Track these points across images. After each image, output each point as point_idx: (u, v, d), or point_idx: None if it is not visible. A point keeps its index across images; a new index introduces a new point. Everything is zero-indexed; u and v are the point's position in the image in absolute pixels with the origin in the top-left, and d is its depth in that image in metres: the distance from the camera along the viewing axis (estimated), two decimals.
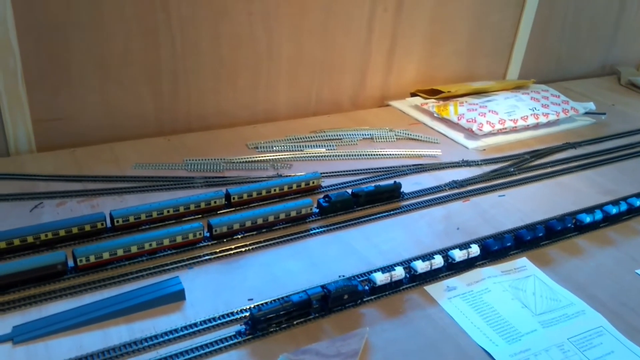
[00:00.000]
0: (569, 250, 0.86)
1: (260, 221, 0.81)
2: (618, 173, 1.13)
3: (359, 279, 0.72)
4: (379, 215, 0.90)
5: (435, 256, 0.76)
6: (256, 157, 1.03)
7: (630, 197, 0.97)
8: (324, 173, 1.00)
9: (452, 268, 0.78)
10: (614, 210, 0.92)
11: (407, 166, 1.08)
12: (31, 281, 0.67)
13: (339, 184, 0.98)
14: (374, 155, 1.11)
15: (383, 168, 1.06)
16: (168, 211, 0.81)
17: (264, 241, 0.81)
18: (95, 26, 0.98)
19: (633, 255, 0.86)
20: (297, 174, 0.97)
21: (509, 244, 0.82)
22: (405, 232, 0.87)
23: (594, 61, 1.77)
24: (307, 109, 1.29)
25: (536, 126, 1.29)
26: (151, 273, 0.73)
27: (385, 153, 1.12)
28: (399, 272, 0.72)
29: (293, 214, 0.84)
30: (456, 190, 1.01)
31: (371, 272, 0.74)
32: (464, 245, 0.80)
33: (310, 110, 1.30)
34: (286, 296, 0.67)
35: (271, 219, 0.82)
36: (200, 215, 0.84)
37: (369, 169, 1.05)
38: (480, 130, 1.21)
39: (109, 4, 0.98)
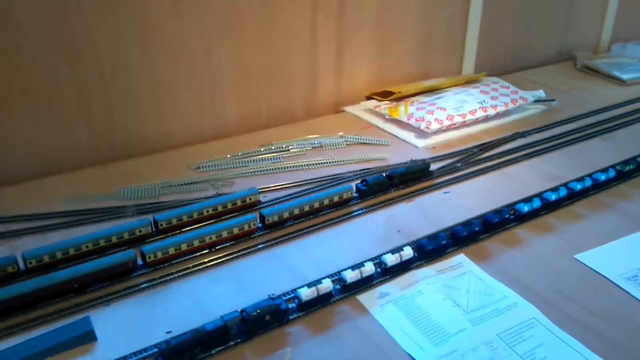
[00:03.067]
0: (508, 242, 0.86)
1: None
2: (565, 158, 1.14)
3: (286, 297, 0.72)
4: (318, 226, 0.89)
5: (365, 263, 0.75)
6: (196, 178, 1.03)
7: (571, 181, 0.97)
8: (265, 187, 1.00)
9: (387, 273, 0.77)
10: (553, 196, 0.93)
11: (354, 172, 1.07)
12: None
13: (281, 197, 0.98)
14: (321, 163, 1.11)
15: (329, 176, 1.06)
16: (87, 246, 0.78)
17: (193, 267, 0.79)
18: (13, 49, 0.95)
19: (572, 240, 0.86)
20: (237, 191, 0.97)
21: (444, 242, 0.82)
22: (345, 241, 0.87)
23: (550, 48, 1.77)
24: (259, 122, 1.29)
25: (486, 119, 1.30)
26: (66, 314, 0.70)
27: (333, 160, 1.12)
28: (327, 285, 0.71)
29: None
30: (401, 192, 1.01)
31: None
32: (398, 249, 0.79)
33: (262, 123, 1.30)
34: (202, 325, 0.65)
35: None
36: (125, 247, 0.82)
37: (315, 179, 1.05)
38: (429, 128, 1.21)
39: (26, 24, 0.95)
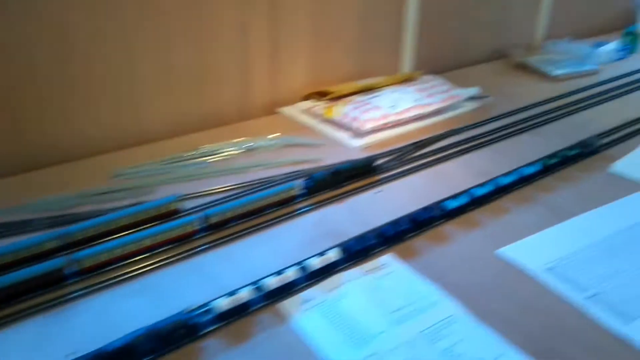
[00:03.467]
0: (436, 239, 0.86)
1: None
2: (496, 154, 1.15)
3: (201, 309, 0.69)
4: (242, 233, 0.87)
5: (287, 269, 0.74)
6: (116, 187, 0.99)
7: (498, 176, 0.98)
8: (189, 194, 0.97)
9: (311, 278, 0.76)
10: (480, 192, 0.93)
11: (286, 174, 1.06)
12: None
13: (206, 204, 0.95)
14: (251, 167, 1.09)
15: (259, 180, 1.04)
16: None
17: (103, 282, 0.76)
18: None
19: (496, 235, 0.87)
20: (159, 199, 0.93)
21: (371, 243, 0.81)
22: (270, 247, 0.84)
23: (486, 46, 1.80)
24: (188, 125, 1.26)
25: (421, 117, 1.30)
26: None
27: (264, 163, 1.10)
28: (245, 294, 0.69)
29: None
30: (332, 193, 0.99)
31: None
32: (323, 252, 0.78)
33: (192, 126, 1.26)
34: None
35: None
36: (33, 262, 0.76)
37: (244, 183, 1.02)
38: (363, 127, 1.21)
39: None
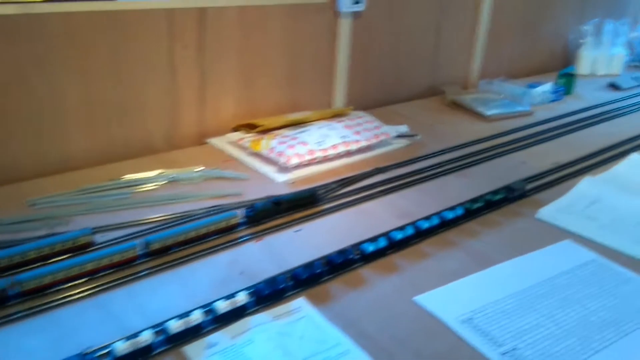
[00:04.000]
0: (352, 283, 0.84)
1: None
2: (421, 194, 1.15)
3: (100, 351, 0.65)
4: (152, 270, 0.83)
5: (193, 312, 0.70)
6: (29, 216, 0.93)
7: (418, 220, 0.97)
8: (104, 226, 0.93)
9: (218, 321, 0.73)
10: (399, 235, 0.92)
11: (205, 208, 1.02)
12: None
13: (122, 237, 0.91)
14: (171, 199, 1.05)
15: (179, 213, 1.00)
16: None
17: (1, 317, 0.71)
18: None
19: (414, 281, 0.85)
20: (73, 230, 0.89)
21: (282, 286, 0.78)
22: (181, 286, 0.81)
23: (420, 83, 1.82)
24: (112, 154, 1.22)
25: (348, 154, 1.29)
26: None
27: (185, 196, 1.06)
28: (146, 337, 0.66)
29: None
30: (249, 231, 0.97)
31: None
32: (231, 295, 0.75)
33: (117, 155, 1.22)
34: None
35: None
36: None
37: (163, 216, 0.99)
38: (289, 163, 1.19)
39: None
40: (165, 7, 1.19)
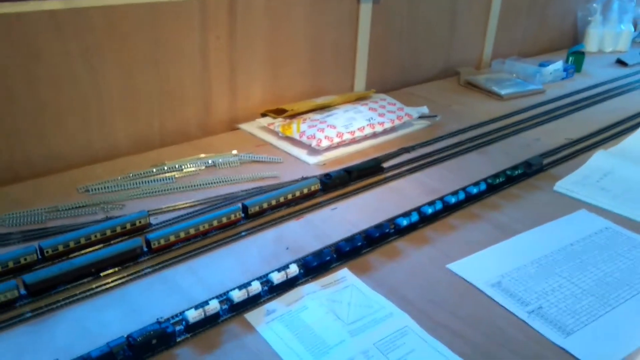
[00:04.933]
0: (389, 254, 0.92)
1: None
2: (445, 172, 1.22)
3: (173, 319, 0.73)
4: (208, 247, 0.91)
5: (252, 282, 0.78)
6: (85, 202, 1.02)
7: (446, 195, 1.05)
8: (156, 209, 1.01)
9: (274, 291, 0.81)
10: (430, 210, 1.00)
11: (246, 190, 1.10)
12: None
13: (173, 219, 0.99)
14: (214, 183, 1.13)
15: (222, 196, 1.08)
16: None
17: (79, 294, 0.80)
18: None
19: (446, 251, 0.93)
20: (128, 214, 0.97)
21: (328, 258, 0.86)
22: (234, 261, 0.89)
23: (435, 65, 1.88)
24: (152, 142, 1.29)
25: (374, 135, 1.36)
26: None
27: (226, 180, 1.14)
28: (214, 306, 0.74)
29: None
30: (290, 210, 1.04)
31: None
32: (284, 267, 0.83)
33: (156, 142, 1.30)
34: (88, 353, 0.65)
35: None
36: (12, 275, 0.81)
37: (207, 199, 1.07)
38: (319, 145, 1.26)
39: None
40: None
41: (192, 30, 1.26)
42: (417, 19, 1.73)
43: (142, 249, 0.87)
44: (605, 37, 2.23)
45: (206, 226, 0.93)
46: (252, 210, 0.98)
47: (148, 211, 0.96)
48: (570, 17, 2.29)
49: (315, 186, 1.06)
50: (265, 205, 0.99)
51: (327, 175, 1.10)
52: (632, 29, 2.26)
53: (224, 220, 0.95)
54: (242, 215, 0.98)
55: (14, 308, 0.76)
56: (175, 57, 1.26)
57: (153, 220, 0.98)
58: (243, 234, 0.96)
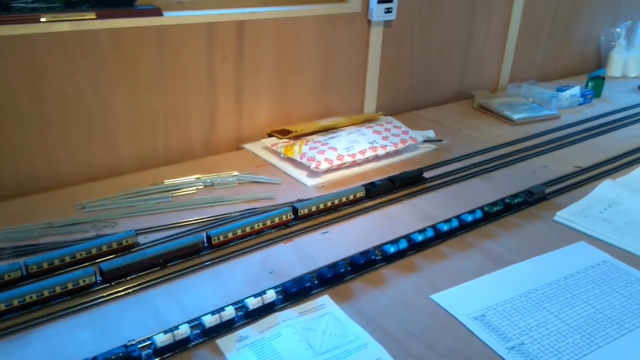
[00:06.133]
0: (373, 282, 0.91)
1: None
2: (445, 197, 1.20)
3: (142, 343, 0.73)
4: (191, 269, 0.91)
5: (226, 307, 0.78)
6: (79, 219, 1.03)
7: (438, 223, 1.03)
8: (147, 228, 1.01)
9: (249, 316, 0.80)
10: (419, 237, 0.98)
11: (240, 211, 1.10)
12: None
13: (162, 238, 0.99)
14: (209, 203, 1.13)
15: (215, 216, 1.08)
16: None
17: (53, 313, 0.80)
18: None
19: (433, 280, 0.91)
20: (120, 232, 0.98)
21: (308, 284, 0.85)
22: (215, 284, 0.89)
23: (449, 87, 1.86)
24: (155, 159, 1.31)
25: (376, 158, 1.35)
26: None
27: (222, 199, 1.14)
28: (183, 330, 0.73)
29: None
30: (280, 233, 1.04)
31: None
32: (261, 292, 0.82)
33: (159, 160, 1.32)
34: None
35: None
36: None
37: (200, 219, 1.07)
38: (318, 168, 1.26)
39: None
40: (206, 21, 1.27)
41: (199, 52, 1.28)
42: (430, 41, 1.72)
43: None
44: (629, 62, 2.18)
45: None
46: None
47: (136, 230, 0.96)
48: (593, 41, 2.25)
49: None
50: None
51: (371, 183, 1.17)
52: None
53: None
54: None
55: None
56: (181, 77, 1.28)
57: (142, 239, 0.98)
58: (234, 254, 0.96)
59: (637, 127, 1.66)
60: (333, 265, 0.89)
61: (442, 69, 1.79)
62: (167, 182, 1.19)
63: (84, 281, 0.83)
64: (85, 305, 0.82)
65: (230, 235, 0.96)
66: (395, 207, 1.15)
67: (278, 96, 1.45)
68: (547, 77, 2.12)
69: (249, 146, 1.42)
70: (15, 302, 0.78)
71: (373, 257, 0.92)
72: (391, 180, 1.20)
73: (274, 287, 0.85)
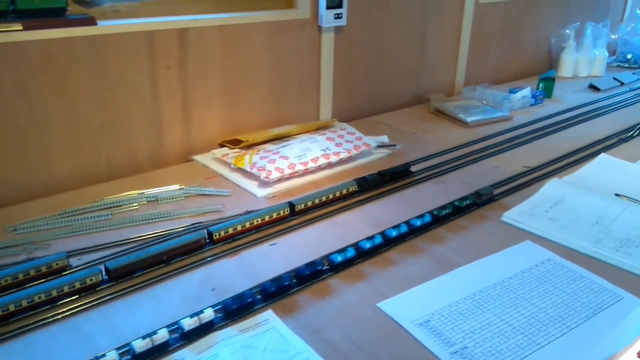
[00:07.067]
0: (320, 293, 0.88)
1: None
2: (396, 203, 1.18)
3: None
4: (127, 290, 0.87)
5: (159, 330, 0.74)
6: (10, 242, 0.98)
7: (388, 229, 1.01)
8: (80, 249, 0.97)
9: (186, 338, 0.76)
10: (368, 245, 0.95)
11: (185, 226, 1.06)
12: None
13: (97, 260, 0.94)
14: (152, 219, 1.09)
15: (157, 233, 1.04)
16: None
17: None
18: None
19: (380, 288, 0.89)
20: (52, 254, 0.93)
21: (250, 300, 0.82)
22: (153, 306, 0.84)
23: (406, 92, 1.86)
24: (97, 175, 1.26)
25: (330, 165, 1.33)
26: None
27: (166, 214, 1.10)
28: (111, 357, 0.69)
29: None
30: (227, 247, 1.00)
31: None
32: (198, 312, 0.78)
33: (102, 176, 1.27)
34: None
35: None
36: None
37: (140, 237, 1.02)
38: (268, 178, 1.23)
39: None
40: (145, 29, 1.23)
41: (139, 61, 1.24)
42: (383, 47, 1.71)
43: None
44: (579, 63, 2.21)
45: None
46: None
47: (67, 252, 0.92)
48: (545, 43, 2.28)
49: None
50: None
51: (363, 178, 1.20)
52: (606, 54, 2.23)
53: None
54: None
55: None
56: (121, 88, 1.23)
57: (76, 261, 0.93)
58: (172, 272, 0.92)
59: (586, 126, 1.67)
60: (277, 279, 0.86)
61: (397, 74, 1.78)
62: (107, 198, 1.14)
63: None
64: (12, 334, 0.77)
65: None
66: (349, 213, 1.13)
67: (228, 105, 1.42)
68: (501, 79, 2.13)
69: (199, 157, 1.38)
70: None
71: (320, 268, 0.90)
72: (381, 174, 1.23)
73: (213, 305, 0.80)
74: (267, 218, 1.05)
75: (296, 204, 1.08)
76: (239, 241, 1.01)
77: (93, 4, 1.22)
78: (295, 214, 1.09)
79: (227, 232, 0.99)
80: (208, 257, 0.96)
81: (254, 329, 0.79)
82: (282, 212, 1.07)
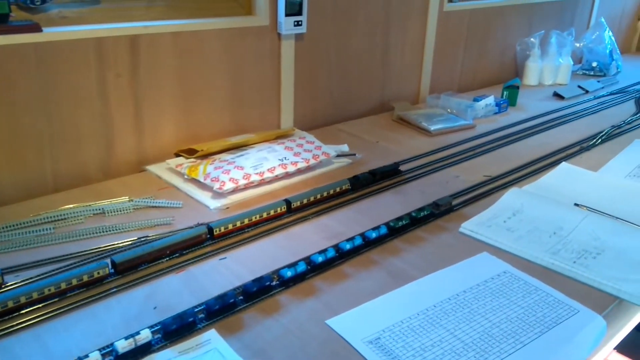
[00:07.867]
0: (268, 310, 0.84)
1: None
2: (354, 214, 1.15)
3: None
4: (64, 308, 0.82)
5: (91, 354, 0.69)
6: None
7: (341, 242, 0.97)
8: (16, 266, 0.91)
9: None
10: (320, 258, 0.92)
11: (131, 240, 1.01)
12: None
13: (36, 276, 0.89)
14: (96, 233, 1.04)
15: (101, 247, 0.99)
16: None
17: None
18: None
19: (331, 304, 0.85)
20: None
21: (191, 319, 0.77)
22: (90, 326, 0.80)
23: (371, 100, 1.83)
24: (44, 187, 1.21)
25: (287, 175, 1.29)
26: None
27: (112, 228, 1.05)
28: None
29: None
30: (172, 263, 0.96)
31: None
32: (133, 333, 0.74)
33: (48, 188, 1.22)
34: None
35: None
36: None
37: (83, 252, 0.97)
38: (222, 189, 1.18)
39: None
40: (93, 36, 1.19)
41: (87, 69, 1.20)
42: (347, 54, 1.68)
43: None
44: (544, 71, 2.22)
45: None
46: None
47: (2, 269, 0.86)
48: (510, 51, 2.28)
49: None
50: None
51: (355, 176, 1.22)
52: (571, 62, 2.24)
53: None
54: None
55: None
56: (68, 97, 1.19)
57: (12, 278, 0.88)
58: (113, 290, 0.87)
59: (549, 134, 1.66)
60: (222, 296, 0.82)
61: (361, 81, 1.76)
62: (51, 212, 1.08)
63: None
64: None
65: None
66: (303, 225, 1.09)
67: (184, 114, 1.38)
68: (467, 87, 2.12)
69: (152, 168, 1.33)
70: None
71: (268, 283, 0.86)
72: (372, 173, 1.26)
73: (150, 326, 0.76)
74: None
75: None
76: (186, 256, 0.97)
77: (39, 10, 1.16)
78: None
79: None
80: (151, 273, 0.91)
81: (195, 349, 0.75)
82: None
